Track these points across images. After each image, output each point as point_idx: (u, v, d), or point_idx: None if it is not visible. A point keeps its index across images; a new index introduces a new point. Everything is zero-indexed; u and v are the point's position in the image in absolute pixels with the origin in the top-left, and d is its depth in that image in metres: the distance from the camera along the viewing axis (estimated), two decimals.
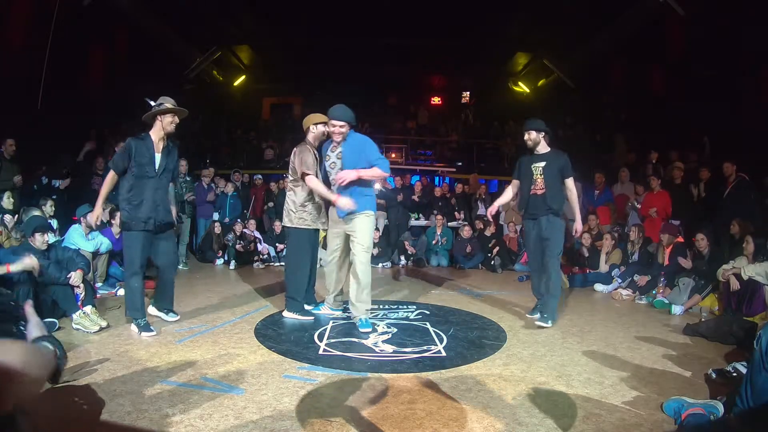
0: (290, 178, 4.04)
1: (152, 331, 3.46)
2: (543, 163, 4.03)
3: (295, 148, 4.00)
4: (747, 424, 2.03)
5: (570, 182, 4.02)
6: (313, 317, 4.03)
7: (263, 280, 5.99)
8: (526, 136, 4.11)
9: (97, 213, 3.72)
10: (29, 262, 3.43)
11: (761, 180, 5.88)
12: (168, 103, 3.50)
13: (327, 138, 3.97)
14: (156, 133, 3.51)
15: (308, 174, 3.80)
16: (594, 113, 11.22)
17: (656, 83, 9.82)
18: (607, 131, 9.93)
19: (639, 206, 6.61)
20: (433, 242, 7.76)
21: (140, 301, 3.54)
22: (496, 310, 4.45)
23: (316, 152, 3.99)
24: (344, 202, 3.57)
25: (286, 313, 4.04)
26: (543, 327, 3.87)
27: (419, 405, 2.37)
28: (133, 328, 3.51)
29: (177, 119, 3.54)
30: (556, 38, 11.14)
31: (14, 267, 3.37)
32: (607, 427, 2.19)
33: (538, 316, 4.10)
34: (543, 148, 4.08)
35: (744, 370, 2.61)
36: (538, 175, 4.03)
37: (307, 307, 4.17)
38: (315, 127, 4.02)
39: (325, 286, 4.17)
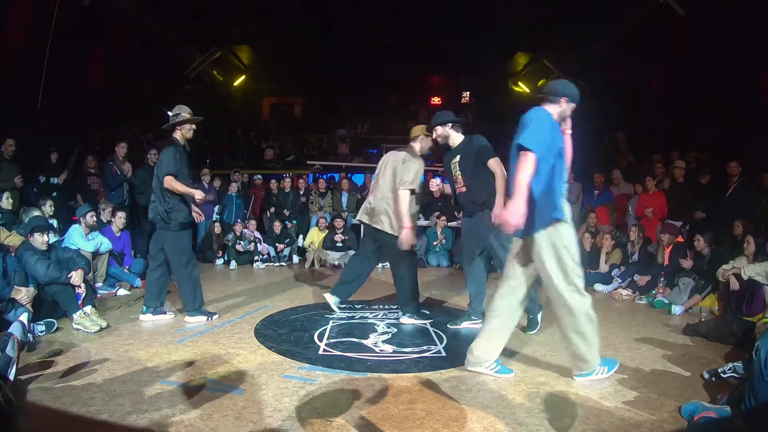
0: (399, 180, 3.82)
1: (216, 313, 3.95)
2: (458, 157, 3.70)
3: (406, 154, 3.90)
4: (751, 425, 2.04)
5: (492, 163, 3.53)
6: (431, 320, 3.99)
7: (263, 280, 6.00)
8: (434, 135, 3.78)
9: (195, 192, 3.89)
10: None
11: (762, 180, 5.88)
12: (185, 112, 3.83)
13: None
14: (180, 141, 3.89)
15: (405, 189, 3.75)
16: (594, 113, 11.20)
17: (656, 83, 9.81)
18: (607, 131, 9.92)
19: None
20: (434, 243, 7.76)
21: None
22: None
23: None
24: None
25: (404, 319, 3.98)
26: (532, 333, 3.75)
27: (419, 405, 2.37)
28: (200, 318, 3.86)
29: (194, 126, 3.93)
30: (556, 38, 11.12)
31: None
32: (607, 427, 2.20)
33: (463, 324, 3.84)
34: (456, 139, 3.73)
35: (742, 371, 2.61)
36: (457, 172, 3.70)
37: (340, 306, 4.18)
38: (422, 139, 3.97)
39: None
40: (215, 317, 3.94)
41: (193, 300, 3.87)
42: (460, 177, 3.71)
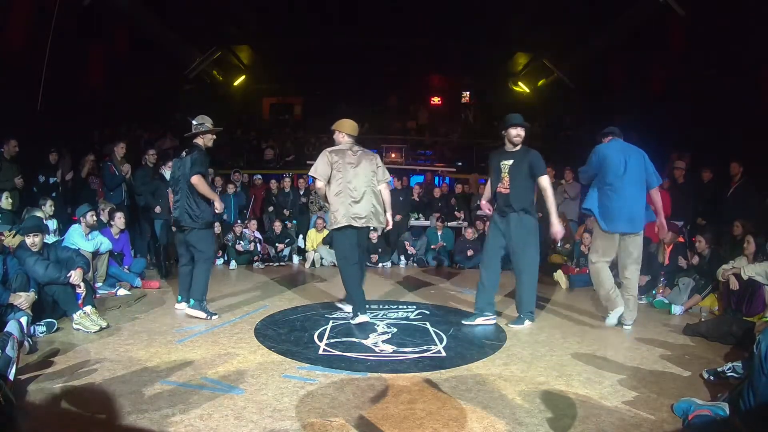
0: (382, 178, 4.10)
1: (216, 314, 4.01)
2: (511, 162, 3.91)
3: (369, 151, 4.18)
4: (750, 425, 2.04)
5: (543, 180, 3.84)
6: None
7: (263, 280, 6.00)
8: (515, 132, 3.89)
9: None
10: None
11: (762, 180, 5.88)
12: (207, 122, 4.10)
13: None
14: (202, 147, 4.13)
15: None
16: (594, 113, 11.19)
17: (656, 83, 9.81)
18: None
19: None
20: (432, 247, 7.77)
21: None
22: (496, 310, 4.44)
23: None
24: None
25: (355, 321, 3.89)
26: (514, 328, 3.84)
27: (419, 405, 2.37)
28: (199, 312, 3.93)
29: (215, 136, 4.22)
30: (556, 38, 11.12)
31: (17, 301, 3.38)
32: (607, 427, 2.20)
33: (478, 320, 3.92)
34: (518, 145, 3.98)
35: (742, 371, 2.61)
36: (505, 174, 3.92)
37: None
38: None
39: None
40: (215, 317, 3.94)
41: (201, 294, 4.03)
42: (507, 179, 3.93)
